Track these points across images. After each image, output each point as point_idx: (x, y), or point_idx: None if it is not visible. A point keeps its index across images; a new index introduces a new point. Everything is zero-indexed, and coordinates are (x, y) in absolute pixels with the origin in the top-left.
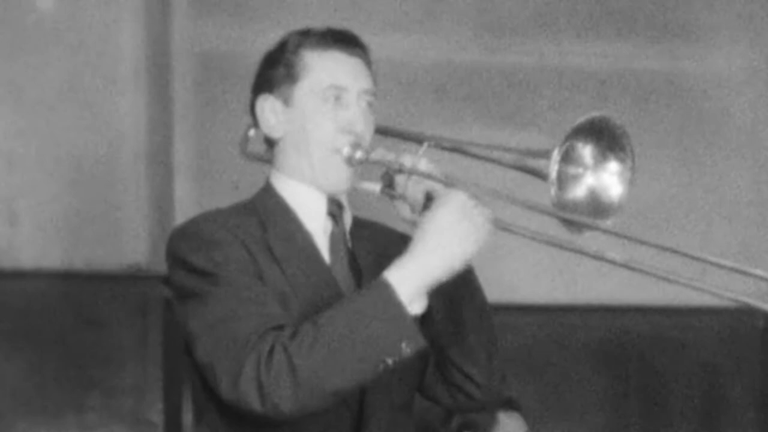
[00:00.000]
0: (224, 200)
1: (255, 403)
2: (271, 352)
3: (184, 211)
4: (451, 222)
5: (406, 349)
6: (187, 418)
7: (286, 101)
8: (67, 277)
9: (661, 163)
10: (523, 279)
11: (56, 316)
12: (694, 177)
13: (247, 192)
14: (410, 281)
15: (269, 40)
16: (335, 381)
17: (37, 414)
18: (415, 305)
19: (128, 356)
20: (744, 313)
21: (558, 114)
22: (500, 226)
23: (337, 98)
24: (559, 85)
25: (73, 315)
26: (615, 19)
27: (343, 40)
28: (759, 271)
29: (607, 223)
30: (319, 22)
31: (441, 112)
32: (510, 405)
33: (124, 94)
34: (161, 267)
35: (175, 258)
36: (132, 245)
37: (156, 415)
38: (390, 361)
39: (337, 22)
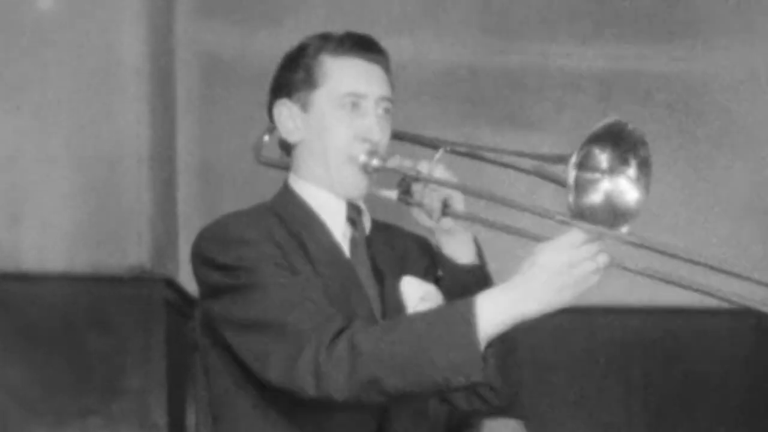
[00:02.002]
0: (228, 202)
1: (309, 387)
2: (336, 338)
3: (187, 213)
4: (561, 267)
5: (461, 380)
6: (191, 420)
7: (304, 106)
8: (70, 280)
9: (664, 164)
10: None
11: (60, 319)
12: (697, 177)
13: (250, 194)
14: (497, 314)
15: (272, 42)
16: (390, 380)
17: (40, 416)
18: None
19: (132, 358)
20: (742, 314)
21: (561, 115)
22: (616, 264)
23: (355, 105)
24: (562, 86)
25: (77, 317)
26: (618, 20)
27: (363, 46)
28: (761, 278)
29: (623, 229)
30: (322, 24)
31: (445, 113)
32: (502, 411)
33: (128, 96)
34: (165, 269)
35: (205, 259)
36: (136, 247)
37: (160, 417)
38: (443, 384)
39: (341, 25)
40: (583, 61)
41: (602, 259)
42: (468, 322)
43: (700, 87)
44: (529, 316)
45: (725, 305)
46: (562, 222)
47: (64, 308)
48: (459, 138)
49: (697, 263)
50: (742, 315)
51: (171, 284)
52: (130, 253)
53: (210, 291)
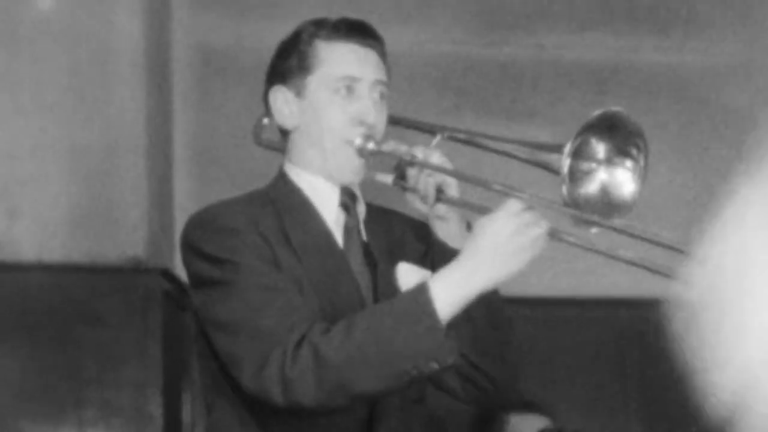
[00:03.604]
0: (224, 193)
1: (277, 396)
2: (298, 346)
3: (183, 204)
4: (504, 236)
5: (434, 365)
6: (187, 412)
7: (299, 92)
8: (66, 271)
9: (661, 157)
10: (524, 271)
11: (56, 310)
12: (693, 170)
13: (247, 184)
14: (452, 293)
15: (269, 33)
16: (359, 383)
17: (36, 408)
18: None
19: (128, 350)
20: None
21: (557, 107)
22: (556, 236)
23: (350, 89)
24: (558, 77)
25: (73, 308)
26: (614, 11)
27: (357, 30)
28: None
29: (616, 220)
30: (317, 14)
31: (440, 104)
32: (529, 407)
33: (124, 88)
34: (161, 260)
35: (191, 246)
36: (132, 239)
37: (156, 408)
38: (415, 373)
39: (336, 15)
40: (578, 52)
41: (544, 225)
42: (426, 307)
43: (696, 78)
44: (483, 288)
45: None
46: (501, 192)
47: (61, 299)
48: (468, 128)
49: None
50: None
51: (167, 275)
52: (127, 243)
53: (194, 280)
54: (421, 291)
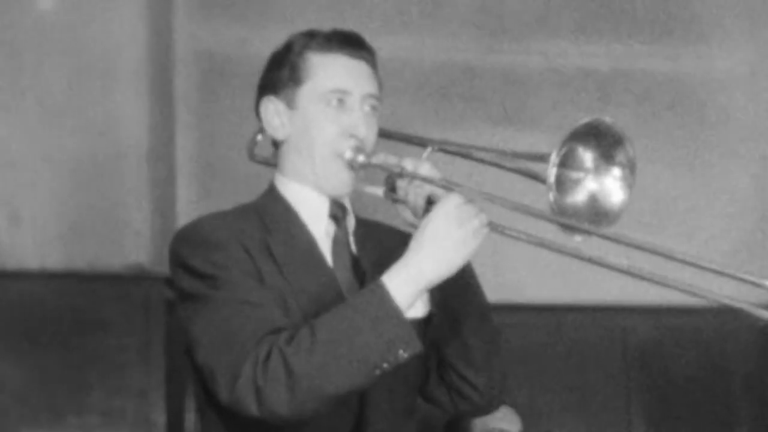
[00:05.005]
0: (226, 200)
1: (252, 407)
2: (267, 356)
3: (186, 211)
4: (446, 226)
5: (403, 354)
6: (190, 418)
7: (290, 103)
8: (69, 278)
9: (663, 163)
10: (526, 279)
11: (58, 317)
12: (695, 177)
13: (249, 192)
14: (406, 285)
15: (271, 40)
16: (332, 385)
17: (39, 414)
18: (418, 309)
19: (131, 357)
20: (744, 313)
21: (559, 114)
22: (496, 229)
23: (341, 101)
24: (561, 85)
25: (76, 315)
26: (617, 19)
27: (349, 42)
28: (754, 278)
29: (607, 228)
30: (321, 22)
31: (442, 112)
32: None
33: (127, 95)
34: (164, 267)
35: (177, 260)
36: (134, 246)
37: (159, 415)
38: (386, 366)
39: (339, 23)
40: (581, 60)
41: (483, 217)
42: (386, 301)
43: (699, 85)
44: (432, 281)
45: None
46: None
47: (63, 306)
48: (456, 137)
49: (679, 261)
50: (745, 314)
51: (170, 282)
52: (129, 251)
53: (179, 293)
54: (377, 288)
